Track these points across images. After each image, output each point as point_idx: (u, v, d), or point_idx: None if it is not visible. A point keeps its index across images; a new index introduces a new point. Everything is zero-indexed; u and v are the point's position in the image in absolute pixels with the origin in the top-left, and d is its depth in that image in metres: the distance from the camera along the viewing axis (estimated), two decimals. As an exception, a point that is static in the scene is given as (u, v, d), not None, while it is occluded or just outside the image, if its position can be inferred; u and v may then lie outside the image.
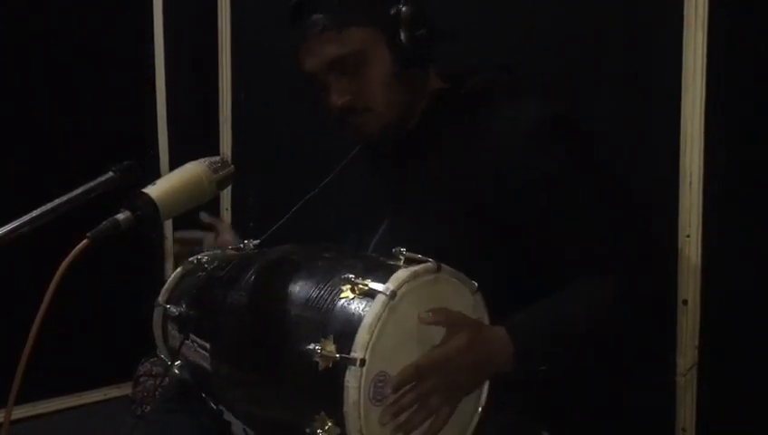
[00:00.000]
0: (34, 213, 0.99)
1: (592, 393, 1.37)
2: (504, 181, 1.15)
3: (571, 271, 1.11)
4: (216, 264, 1.26)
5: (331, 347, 0.92)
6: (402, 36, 1.19)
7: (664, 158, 1.31)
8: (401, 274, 0.95)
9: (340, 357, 0.90)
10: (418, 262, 0.98)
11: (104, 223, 0.99)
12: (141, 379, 2.09)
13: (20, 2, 2.13)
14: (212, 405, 1.19)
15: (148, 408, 1.98)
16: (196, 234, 1.49)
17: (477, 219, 1.18)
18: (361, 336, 0.90)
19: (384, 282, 0.93)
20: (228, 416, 1.17)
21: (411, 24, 1.19)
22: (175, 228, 2.40)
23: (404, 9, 1.19)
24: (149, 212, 1.02)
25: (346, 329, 0.92)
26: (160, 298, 1.28)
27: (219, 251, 1.32)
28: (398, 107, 1.23)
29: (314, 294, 1.00)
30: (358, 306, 0.94)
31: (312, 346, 0.92)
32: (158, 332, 1.30)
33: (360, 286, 0.95)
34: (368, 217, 1.29)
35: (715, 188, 1.26)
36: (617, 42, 1.39)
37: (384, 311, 0.91)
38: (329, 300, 0.98)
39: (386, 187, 1.31)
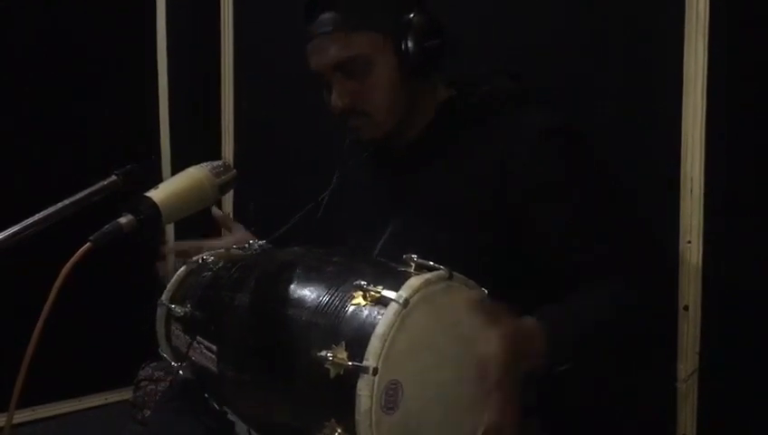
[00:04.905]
0: (37, 216, 1.00)
1: (593, 399, 1.37)
2: (509, 190, 1.16)
3: (573, 277, 1.11)
4: (221, 264, 1.26)
5: (342, 355, 0.91)
6: (411, 46, 1.19)
7: (665, 164, 1.31)
8: (414, 281, 0.94)
9: (353, 365, 0.90)
10: (429, 269, 0.97)
11: (107, 227, 0.99)
12: (142, 383, 2.09)
13: (23, 6, 2.14)
14: (215, 406, 1.19)
15: (149, 412, 1.98)
16: (194, 243, 1.45)
17: (481, 226, 1.18)
18: (374, 345, 0.89)
19: (396, 289, 0.93)
20: (233, 417, 1.17)
21: (422, 35, 1.19)
22: (177, 232, 2.41)
23: (416, 19, 1.19)
24: (152, 216, 1.02)
25: (358, 336, 0.92)
26: (164, 297, 1.28)
27: (224, 251, 1.32)
28: (398, 115, 1.24)
29: (325, 300, 0.99)
30: (370, 314, 0.93)
31: (323, 353, 0.91)
32: (160, 330, 1.29)
33: (373, 293, 0.94)
34: (372, 222, 1.29)
35: (715, 194, 1.27)
36: (618, 48, 1.39)
37: (397, 319, 0.90)
38: (340, 306, 0.97)
39: (391, 192, 1.31)
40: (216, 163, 1.13)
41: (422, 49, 1.19)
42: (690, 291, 1.29)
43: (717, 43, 1.24)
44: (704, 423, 1.30)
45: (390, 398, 0.91)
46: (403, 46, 1.19)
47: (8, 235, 0.97)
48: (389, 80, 1.21)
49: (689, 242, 1.29)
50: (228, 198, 2.25)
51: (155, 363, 2.08)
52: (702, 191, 1.27)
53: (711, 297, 1.28)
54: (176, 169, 1.14)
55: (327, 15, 1.19)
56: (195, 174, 1.10)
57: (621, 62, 1.39)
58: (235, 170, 1.15)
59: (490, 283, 1.03)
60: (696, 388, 1.30)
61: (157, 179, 1.09)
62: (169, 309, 1.24)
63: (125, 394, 2.23)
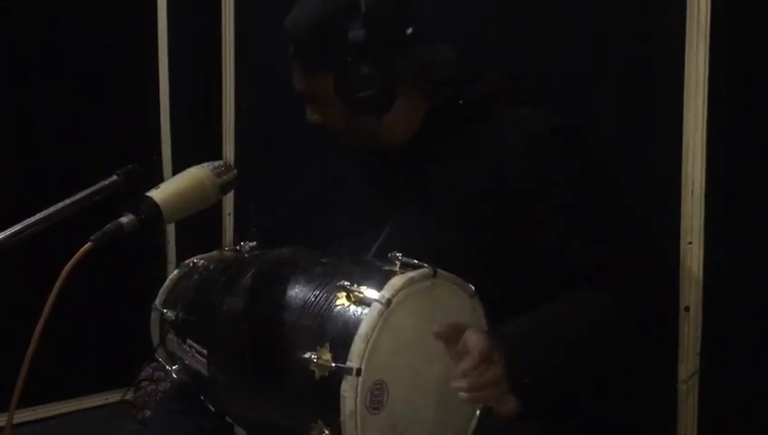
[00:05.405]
0: (38, 216, 1.00)
1: (593, 400, 1.37)
2: (508, 190, 1.16)
3: (572, 277, 1.11)
4: (212, 266, 1.26)
5: (327, 356, 0.92)
6: (351, 91, 1.20)
7: (666, 165, 1.31)
8: (397, 281, 0.94)
9: (336, 366, 0.90)
10: (414, 267, 0.97)
11: (108, 226, 0.99)
12: (142, 383, 2.09)
13: (23, 6, 2.14)
14: (211, 408, 1.19)
15: (149, 413, 1.98)
16: None
17: (480, 227, 1.18)
18: (357, 346, 0.90)
19: (379, 289, 0.93)
20: (229, 419, 1.17)
21: (361, 80, 1.19)
22: (178, 232, 2.41)
23: (357, 63, 1.18)
24: (153, 215, 1.03)
25: (342, 338, 0.92)
26: (157, 301, 1.28)
27: (216, 253, 1.32)
28: (365, 135, 1.26)
29: (311, 301, 1.00)
30: (353, 314, 0.93)
31: (308, 355, 0.92)
32: (155, 335, 1.30)
33: (356, 294, 0.94)
34: (369, 224, 1.29)
35: (716, 195, 1.26)
36: (619, 49, 1.39)
37: (380, 320, 0.91)
38: (324, 307, 0.97)
39: (388, 194, 1.31)
40: (216, 163, 1.14)
41: (360, 97, 1.19)
42: (691, 292, 1.29)
43: (718, 44, 1.24)
44: (704, 424, 1.30)
45: (376, 398, 0.92)
46: (347, 85, 1.20)
47: (8, 235, 0.97)
48: (342, 113, 1.23)
49: (690, 243, 1.28)
50: (229, 198, 2.25)
51: (155, 364, 2.08)
52: (703, 192, 1.27)
53: (712, 298, 1.28)
54: (177, 169, 1.14)
55: (291, 49, 1.25)
56: (196, 174, 1.11)
57: (621, 62, 1.39)
58: (235, 170, 1.15)
59: (490, 283, 1.03)
60: (696, 389, 1.30)
61: (158, 179, 1.10)
62: (162, 313, 1.24)
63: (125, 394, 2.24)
